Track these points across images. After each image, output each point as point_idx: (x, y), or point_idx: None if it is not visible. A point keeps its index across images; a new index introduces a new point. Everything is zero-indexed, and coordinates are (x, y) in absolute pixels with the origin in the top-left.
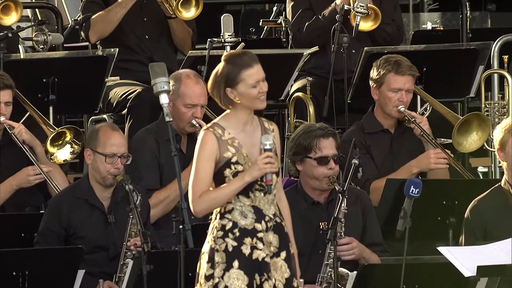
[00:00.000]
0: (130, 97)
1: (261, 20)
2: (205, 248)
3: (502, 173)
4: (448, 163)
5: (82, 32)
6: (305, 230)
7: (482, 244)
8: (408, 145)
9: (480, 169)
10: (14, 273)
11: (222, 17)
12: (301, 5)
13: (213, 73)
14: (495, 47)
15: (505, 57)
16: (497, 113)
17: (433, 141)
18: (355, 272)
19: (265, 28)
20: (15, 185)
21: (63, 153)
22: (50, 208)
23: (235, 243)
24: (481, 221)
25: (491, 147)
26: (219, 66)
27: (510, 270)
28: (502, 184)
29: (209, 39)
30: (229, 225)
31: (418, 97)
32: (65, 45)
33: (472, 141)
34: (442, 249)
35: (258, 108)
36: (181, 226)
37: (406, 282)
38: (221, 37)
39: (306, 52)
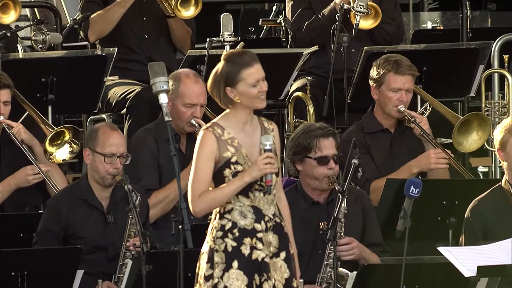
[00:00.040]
0: (129, 97)
1: (260, 20)
2: (205, 248)
3: (502, 173)
4: (448, 163)
5: (81, 32)
6: (305, 230)
7: (482, 244)
8: (408, 145)
9: (481, 169)
10: (13, 273)
11: (221, 16)
12: (300, 4)
13: (212, 72)
14: (496, 46)
15: (506, 57)
16: (497, 112)
17: (433, 141)
18: (355, 272)
19: (264, 28)
20: (14, 185)
21: (62, 153)
22: (49, 208)
23: (234, 243)
24: (481, 221)
25: (492, 147)
26: (219, 65)
27: (510, 270)
28: (502, 184)
29: (208, 39)
30: (228, 225)
31: (418, 97)
32: (64, 44)
33: (472, 141)
34: (442, 249)
35: (258, 107)
36: (180, 226)
37: (406, 282)
38: (220, 36)
39: (306, 51)
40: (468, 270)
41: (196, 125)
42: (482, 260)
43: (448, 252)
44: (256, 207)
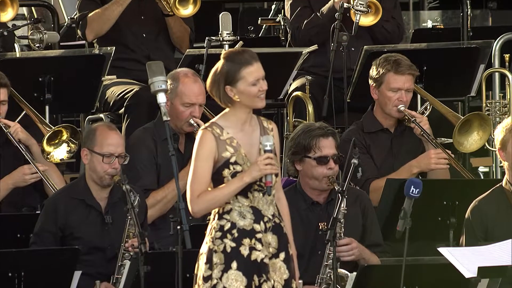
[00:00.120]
0: (127, 96)
1: (259, 19)
2: (203, 249)
3: (503, 173)
4: (449, 163)
5: (78, 31)
6: (304, 230)
7: (483, 244)
8: (408, 145)
9: (481, 169)
10: (9, 274)
11: (220, 15)
12: (299, 3)
13: (212, 71)
14: (496, 45)
15: (506, 56)
16: (498, 112)
17: (433, 141)
18: (354, 273)
19: (263, 27)
20: (11, 184)
21: (60, 152)
22: (46, 209)
23: (233, 244)
24: (482, 222)
25: (492, 147)
26: (219, 64)
27: (511, 271)
28: (503, 184)
29: (207, 38)
30: (227, 226)
31: (418, 96)
32: (61, 43)
33: (473, 141)
34: (442, 250)
35: (257, 107)
36: (178, 227)
37: (406, 283)
38: (219, 35)
39: (305, 50)
40: (468, 271)
41: (195, 124)
42: (482, 260)
43: (449, 253)
44: (255, 208)
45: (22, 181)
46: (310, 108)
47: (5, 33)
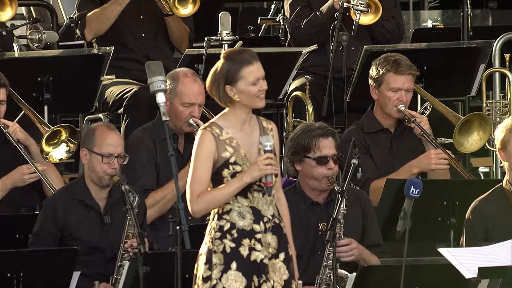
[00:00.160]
0: (127, 96)
1: (259, 18)
2: (203, 249)
3: (503, 173)
4: (449, 163)
5: (77, 30)
6: (304, 231)
7: (483, 245)
8: (408, 145)
9: (482, 169)
10: (8, 275)
11: (219, 15)
12: (299, 3)
13: (212, 70)
14: (497, 45)
15: (507, 56)
16: (498, 112)
17: (434, 141)
18: (354, 274)
19: (263, 26)
20: (9, 184)
21: (59, 152)
22: (45, 209)
23: (233, 244)
24: (482, 222)
25: (493, 147)
26: (218, 64)
27: (511, 272)
28: (503, 185)
29: (206, 37)
30: (227, 226)
31: (419, 96)
32: (60, 43)
33: (473, 141)
34: (442, 250)
35: (257, 106)
36: (178, 227)
37: (406, 283)
38: (218, 35)
39: (305, 50)
40: (469, 271)
41: (194, 124)
42: (483, 261)
43: (449, 253)
44: (255, 208)
45: (21, 181)
46: (309, 108)
47: (4, 33)
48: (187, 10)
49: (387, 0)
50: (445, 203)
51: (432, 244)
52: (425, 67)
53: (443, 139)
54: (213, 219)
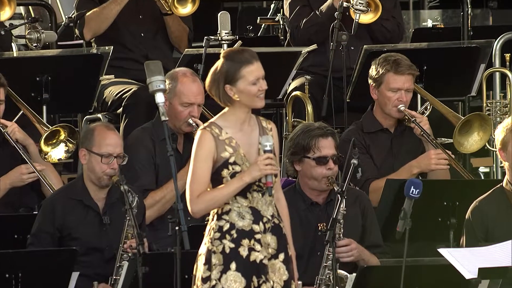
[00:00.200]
0: (126, 96)
1: (258, 18)
2: (202, 249)
3: (503, 174)
4: (449, 163)
5: (76, 30)
6: (303, 231)
7: (483, 245)
8: (408, 145)
9: (482, 169)
10: (7, 275)
11: (219, 14)
12: (298, 2)
13: (211, 70)
14: (497, 45)
15: (507, 55)
16: (498, 112)
17: (434, 141)
18: (354, 274)
19: (262, 26)
20: (8, 184)
21: (58, 152)
22: (43, 209)
23: (232, 245)
24: (482, 222)
25: (493, 147)
26: (218, 63)
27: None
28: (503, 185)
29: (205, 37)
30: (226, 227)
31: (419, 96)
32: (58, 43)
33: (473, 141)
34: (442, 251)
35: (256, 106)
36: (177, 227)
37: (406, 284)
38: (218, 35)
39: (304, 50)
40: (469, 272)
41: (194, 124)
42: (483, 261)
43: (449, 254)
44: (254, 208)
45: (20, 180)
46: (309, 108)
47: (2, 33)
48: (187, 9)
49: (387, 0)
50: (445, 203)
51: (432, 244)
52: (425, 67)
53: (443, 139)
54: (213, 220)
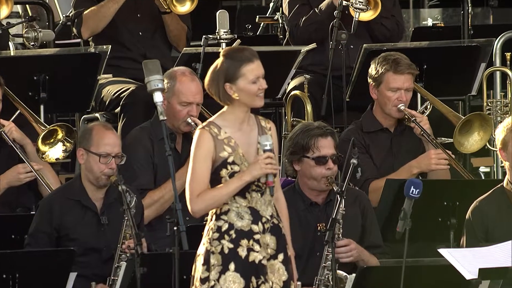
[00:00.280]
0: (123, 95)
1: (257, 17)
2: (201, 250)
3: (504, 173)
4: (449, 163)
5: (74, 28)
6: (302, 231)
7: (484, 245)
8: (408, 145)
9: (482, 169)
10: (4, 276)
11: (217, 13)
12: (298, 1)
13: (211, 68)
14: (497, 44)
15: (508, 54)
16: (499, 111)
17: (434, 140)
18: (353, 275)
19: (261, 25)
20: (5, 184)
21: (55, 152)
22: (41, 209)
23: (231, 245)
24: (482, 222)
25: (493, 147)
26: (218, 61)
27: None
28: (504, 185)
29: (204, 36)
30: (225, 227)
31: (419, 96)
32: (56, 42)
33: (473, 141)
34: (443, 251)
35: (256, 105)
36: (175, 228)
37: (406, 285)
38: (216, 34)
39: (304, 49)
40: (469, 272)
41: (192, 124)
42: (483, 262)
43: (449, 254)
44: (253, 208)
45: (17, 180)
46: (308, 107)
47: (0, 31)
48: (185, 7)
49: None
50: (445, 203)
51: (432, 244)
52: (425, 66)
53: (443, 138)
54: (211, 220)
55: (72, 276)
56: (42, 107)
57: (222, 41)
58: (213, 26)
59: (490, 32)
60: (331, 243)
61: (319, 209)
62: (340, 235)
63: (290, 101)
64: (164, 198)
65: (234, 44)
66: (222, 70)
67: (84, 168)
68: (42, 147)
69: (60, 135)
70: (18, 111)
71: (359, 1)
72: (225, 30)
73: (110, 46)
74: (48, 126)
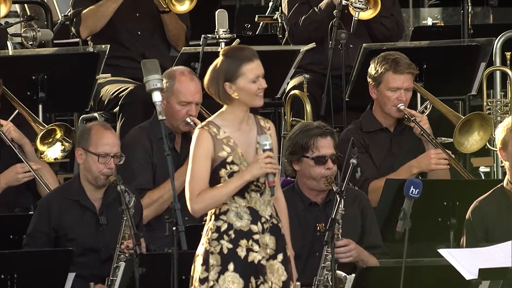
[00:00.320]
0: (122, 95)
1: (256, 16)
2: (200, 250)
3: (504, 173)
4: (449, 163)
5: (72, 28)
6: (302, 231)
7: (484, 246)
8: (408, 144)
9: (482, 169)
10: (2, 276)
11: (216, 12)
12: (297, 0)
13: (210, 68)
14: (497, 43)
15: (508, 54)
16: (499, 111)
17: (434, 140)
18: (353, 275)
19: (260, 24)
20: (3, 184)
21: (54, 151)
22: (39, 209)
23: (230, 245)
24: (482, 222)
25: (493, 147)
26: (218, 61)
27: None
28: (504, 185)
29: (203, 35)
30: (224, 227)
31: (418, 95)
32: (55, 41)
33: (473, 141)
34: (443, 251)
35: (255, 105)
36: (174, 228)
37: (406, 285)
38: (215, 33)
39: (303, 48)
40: (469, 272)
41: (192, 123)
42: (483, 262)
43: (449, 254)
44: (253, 208)
45: (15, 180)
46: (308, 107)
47: None
48: (184, 6)
49: None
50: (445, 203)
51: (432, 245)
52: (425, 66)
53: (443, 138)
54: (210, 220)
55: (71, 276)
56: (40, 106)
57: (221, 40)
58: (212, 26)
59: (490, 31)
60: (331, 243)
61: (318, 209)
62: (340, 235)
63: (290, 101)
64: (163, 198)
65: (233, 44)
66: (222, 69)
67: (83, 168)
68: (41, 147)
69: (58, 134)
70: (17, 110)
71: (358, 0)
72: (224, 30)
73: (109, 45)
74: (46, 126)
